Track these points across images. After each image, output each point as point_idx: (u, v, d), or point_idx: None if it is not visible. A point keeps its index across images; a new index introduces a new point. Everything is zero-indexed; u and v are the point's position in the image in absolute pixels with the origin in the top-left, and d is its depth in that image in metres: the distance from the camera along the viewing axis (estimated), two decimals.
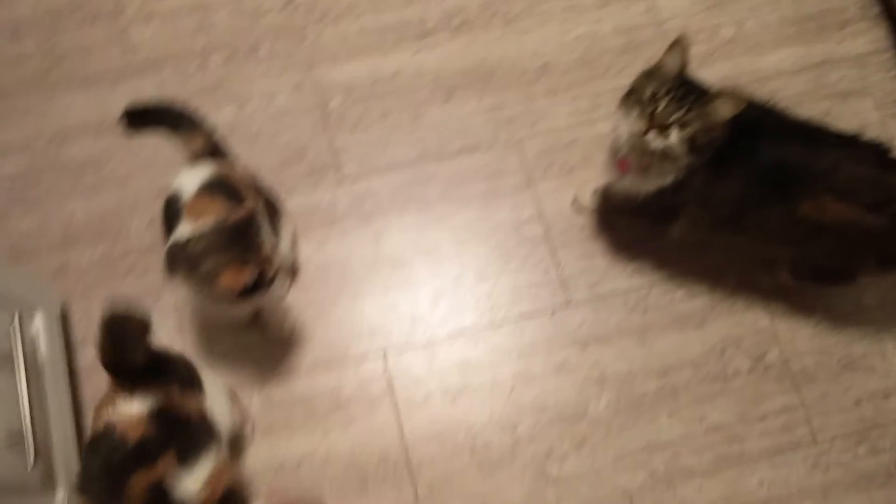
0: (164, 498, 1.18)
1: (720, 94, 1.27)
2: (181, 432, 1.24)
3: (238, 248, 1.28)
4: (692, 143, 1.29)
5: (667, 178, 1.35)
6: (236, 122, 1.79)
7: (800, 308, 1.68)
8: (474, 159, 1.79)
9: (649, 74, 1.34)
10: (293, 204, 1.71)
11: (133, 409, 1.20)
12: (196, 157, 1.62)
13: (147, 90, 1.81)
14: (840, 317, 1.68)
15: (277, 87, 1.82)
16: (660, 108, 1.29)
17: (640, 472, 1.58)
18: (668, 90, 1.30)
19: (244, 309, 1.47)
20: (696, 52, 1.83)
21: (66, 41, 1.86)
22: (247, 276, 1.25)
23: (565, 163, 1.78)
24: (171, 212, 1.39)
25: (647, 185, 1.39)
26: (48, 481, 1.38)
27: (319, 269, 1.70)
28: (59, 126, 1.79)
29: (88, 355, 1.63)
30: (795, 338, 1.66)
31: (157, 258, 1.67)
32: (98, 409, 1.24)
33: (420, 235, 1.73)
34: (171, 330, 1.65)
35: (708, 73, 1.80)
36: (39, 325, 1.46)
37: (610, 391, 1.63)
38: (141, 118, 1.59)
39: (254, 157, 1.76)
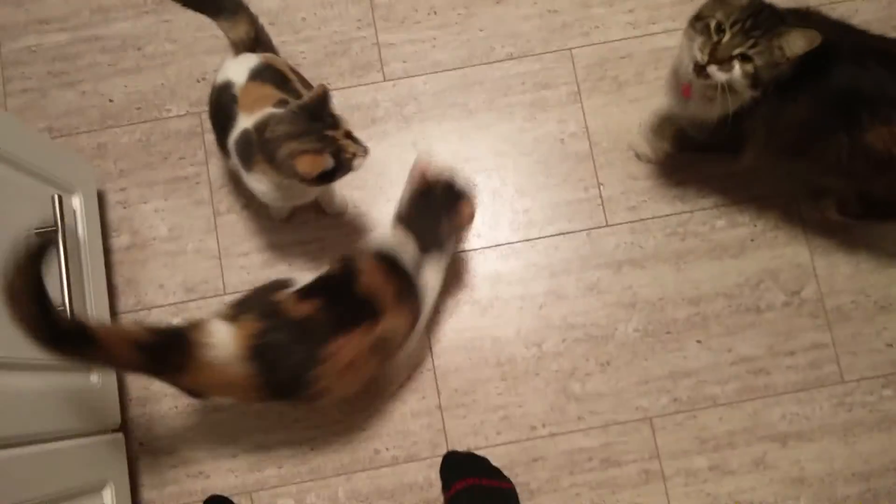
0: None
1: (792, 28, 1.19)
2: None
3: (315, 132, 1.26)
4: (756, 78, 1.23)
5: (733, 105, 1.28)
6: (281, 8, 1.73)
7: (842, 246, 1.64)
8: (522, 66, 1.72)
9: (716, 1, 1.26)
10: (335, 100, 1.67)
11: None
12: (239, 46, 1.58)
13: None
14: (883, 258, 1.64)
15: None
16: (724, 40, 1.23)
17: (662, 396, 1.59)
18: (734, 20, 1.23)
19: (318, 192, 1.47)
20: None
21: None
22: (327, 160, 1.24)
23: (616, 77, 1.71)
24: (223, 101, 1.38)
25: (712, 111, 1.33)
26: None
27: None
28: (101, 3, 1.73)
29: (124, 239, 1.64)
30: (833, 275, 1.63)
31: (196, 144, 1.68)
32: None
33: (460, 144, 1.69)
34: (206, 220, 1.65)
35: None
36: (78, 205, 1.47)
37: (640, 315, 1.62)
38: None
39: (297, 47, 1.71)
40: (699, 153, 1.63)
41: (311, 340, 1.23)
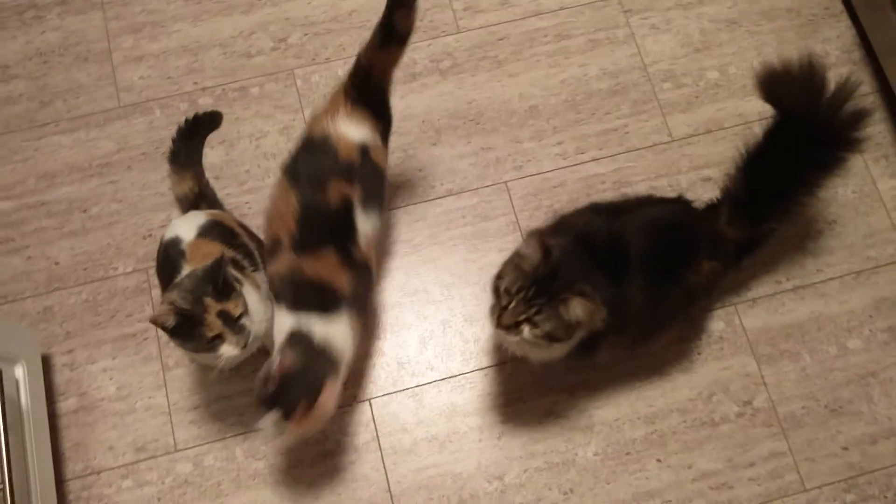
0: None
1: (572, 297, 1.19)
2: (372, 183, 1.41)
3: (196, 292, 1.27)
4: (551, 337, 1.24)
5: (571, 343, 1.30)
6: (225, 162, 1.79)
7: (786, 353, 1.68)
8: (462, 201, 1.79)
9: (513, 263, 1.28)
10: None
11: (350, 132, 1.38)
12: (183, 201, 1.63)
13: (137, 131, 1.81)
14: (825, 361, 1.68)
15: (267, 128, 1.82)
16: (511, 306, 1.24)
17: None
18: (519, 287, 1.24)
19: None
20: (681, 94, 1.87)
21: (56, 82, 1.86)
22: (167, 318, 1.24)
23: (551, 206, 1.78)
24: (171, 257, 1.40)
25: (553, 353, 1.35)
26: None
27: None
28: (47, 168, 1.78)
29: (71, 402, 1.61)
30: (782, 382, 1.66)
31: (143, 300, 1.68)
32: (316, 117, 1.43)
33: (407, 279, 1.73)
34: (154, 376, 1.63)
35: (694, 115, 1.84)
36: (21, 374, 1.44)
37: (598, 438, 1.62)
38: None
39: (242, 198, 1.76)
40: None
41: None
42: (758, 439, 1.62)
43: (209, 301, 1.27)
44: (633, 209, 1.46)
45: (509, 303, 1.25)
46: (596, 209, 1.51)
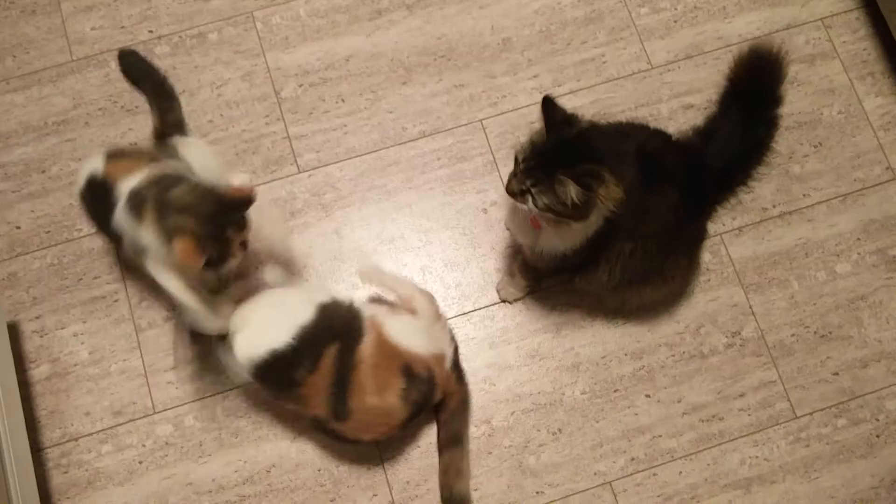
0: None
1: (569, 179, 1.16)
2: None
3: (218, 223, 1.25)
4: (553, 212, 1.21)
5: (586, 232, 1.27)
6: (187, 112, 1.71)
7: (774, 281, 1.64)
8: (436, 143, 1.72)
9: (531, 133, 1.27)
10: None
11: None
12: (159, 136, 1.57)
13: (92, 86, 1.72)
14: (814, 287, 1.64)
15: (228, 75, 1.74)
16: (517, 175, 1.24)
17: (619, 458, 1.55)
18: (525, 157, 1.23)
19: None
20: (660, 19, 1.79)
21: (3, 38, 1.76)
22: (199, 261, 1.22)
23: None
24: (95, 189, 1.37)
25: (565, 240, 1.31)
26: (3, 500, 1.32)
27: (281, 265, 1.63)
28: (0, 129, 1.70)
29: (43, 369, 1.57)
30: (770, 311, 1.63)
31: (110, 260, 1.62)
32: None
33: (383, 226, 1.67)
34: (127, 338, 1.59)
35: (674, 41, 1.77)
36: None
37: (585, 377, 1.59)
38: (134, 70, 1.67)
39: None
40: (556, 275, 1.61)
41: None
42: (747, 369, 1.60)
43: (232, 233, 1.28)
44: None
45: (516, 172, 1.25)
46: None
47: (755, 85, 1.49)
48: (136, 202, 1.28)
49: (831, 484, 1.54)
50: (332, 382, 1.33)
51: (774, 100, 1.49)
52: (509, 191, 1.25)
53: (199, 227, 1.22)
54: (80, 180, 1.40)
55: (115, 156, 1.40)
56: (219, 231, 1.25)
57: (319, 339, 1.33)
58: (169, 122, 1.60)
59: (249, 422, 1.55)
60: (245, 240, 1.30)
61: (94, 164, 1.39)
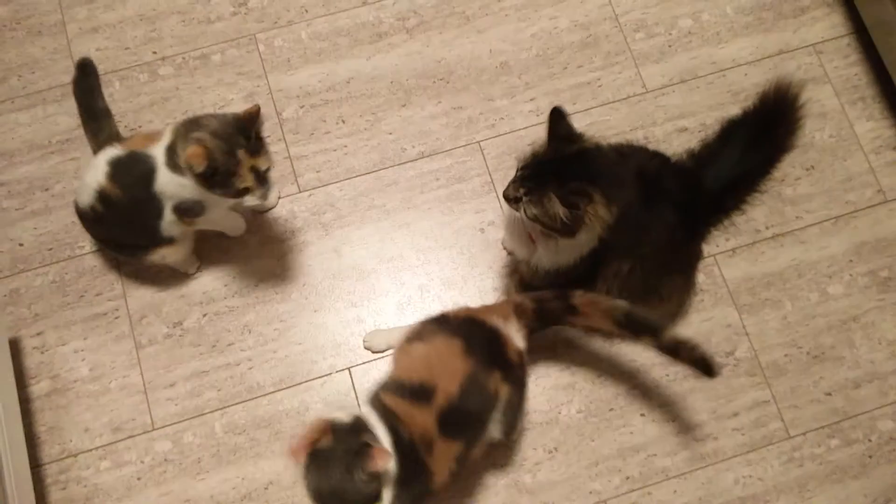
0: None
1: (554, 196, 1.18)
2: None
3: (231, 142, 1.29)
4: (541, 224, 1.23)
5: (580, 249, 1.29)
6: None
7: (767, 301, 1.66)
8: (434, 163, 1.75)
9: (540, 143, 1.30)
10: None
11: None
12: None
13: None
14: (806, 308, 1.66)
15: (230, 96, 1.77)
16: (514, 181, 1.26)
17: (614, 476, 1.56)
18: (523, 165, 1.25)
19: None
20: (655, 44, 1.83)
21: (9, 58, 1.79)
22: (201, 164, 1.26)
23: None
24: (131, 184, 1.41)
25: (560, 257, 1.33)
26: None
27: (280, 283, 1.65)
28: (4, 147, 1.72)
29: (43, 385, 1.58)
30: (764, 331, 1.65)
31: (112, 277, 1.64)
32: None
33: (381, 245, 1.69)
34: (127, 355, 1.60)
35: (668, 65, 1.81)
36: None
37: (581, 395, 1.60)
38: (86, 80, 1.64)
39: None
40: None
41: None
42: (741, 389, 1.61)
43: (242, 155, 1.31)
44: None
45: (515, 178, 1.27)
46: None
47: (771, 124, 1.50)
48: (173, 155, 1.34)
49: (825, 503, 1.55)
50: None
51: (786, 145, 1.50)
52: (505, 195, 1.28)
53: (210, 141, 1.28)
54: (100, 169, 1.42)
55: (124, 139, 1.48)
56: (229, 148, 1.29)
57: None
58: (101, 143, 1.57)
59: (248, 438, 1.56)
60: (259, 169, 1.34)
61: (111, 152, 1.43)
